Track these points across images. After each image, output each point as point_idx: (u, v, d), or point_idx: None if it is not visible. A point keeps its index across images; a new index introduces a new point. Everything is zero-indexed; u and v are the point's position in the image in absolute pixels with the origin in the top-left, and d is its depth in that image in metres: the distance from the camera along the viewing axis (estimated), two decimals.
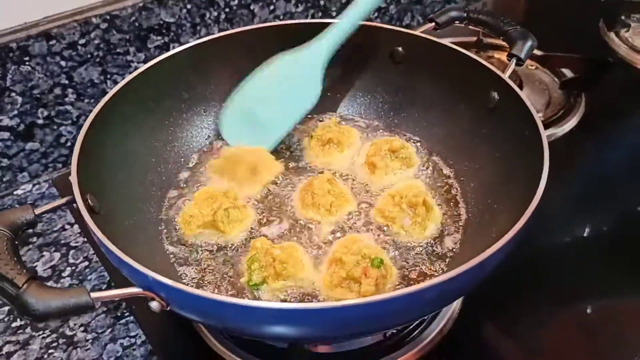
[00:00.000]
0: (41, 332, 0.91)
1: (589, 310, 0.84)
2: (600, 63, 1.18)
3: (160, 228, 0.86)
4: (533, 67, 1.26)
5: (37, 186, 1.19)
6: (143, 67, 0.85)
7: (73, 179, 0.65)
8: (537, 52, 1.26)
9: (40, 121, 1.16)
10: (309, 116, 1.04)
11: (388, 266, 0.76)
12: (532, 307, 0.85)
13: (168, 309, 0.59)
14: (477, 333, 0.82)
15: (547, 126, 1.11)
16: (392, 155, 0.90)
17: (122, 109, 0.81)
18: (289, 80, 0.95)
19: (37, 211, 0.62)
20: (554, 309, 0.85)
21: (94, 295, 0.54)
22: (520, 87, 1.18)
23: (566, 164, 1.06)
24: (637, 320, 0.83)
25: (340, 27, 0.94)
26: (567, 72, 1.23)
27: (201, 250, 0.84)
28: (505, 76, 0.82)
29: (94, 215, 0.66)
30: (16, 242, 0.59)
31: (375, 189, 0.90)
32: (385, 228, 0.84)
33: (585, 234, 0.98)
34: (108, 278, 0.98)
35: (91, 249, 1.04)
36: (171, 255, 0.82)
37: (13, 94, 1.11)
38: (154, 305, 0.58)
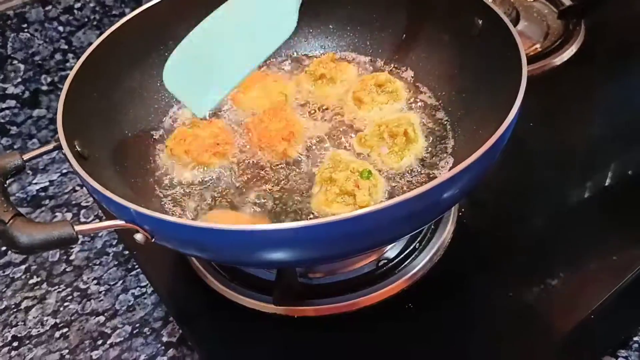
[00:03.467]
0: (56, 287, 0.95)
1: (587, 252, 0.83)
2: None
3: (149, 173, 0.87)
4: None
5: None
6: (127, 17, 0.86)
7: (59, 125, 0.67)
8: None
9: (44, 87, 1.19)
10: (296, 56, 1.04)
11: (376, 176, 0.77)
12: (524, 243, 0.85)
13: (153, 240, 0.61)
14: (466, 263, 0.83)
15: (544, 56, 1.09)
16: (378, 89, 0.89)
17: (107, 58, 0.82)
18: (255, 12, 0.79)
19: (25, 157, 0.65)
20: (547, 248, 0.84)
21: (77, 227, 0.56)
22: (517, 20, 1.16)
23: (564, 95, 1.04)
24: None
25: None
26: (566, 1, 1.21)
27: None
28: (489, 1, 0.81)
29: (81, 160, 0.68)
30: (5, 185, 0.61)
31: (360, 124, 0.90)
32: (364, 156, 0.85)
33: (581, 170, 0.96)
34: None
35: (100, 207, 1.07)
36: (162, 197, 0.83)
37: (15, 62, 1.13)
38: (139, 237, 0.60)
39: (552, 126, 0.99)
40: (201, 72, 0.79)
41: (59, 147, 0.67)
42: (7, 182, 0.66)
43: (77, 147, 0.69)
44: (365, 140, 0.83)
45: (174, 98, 0.96)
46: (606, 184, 0.93)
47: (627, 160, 0.96)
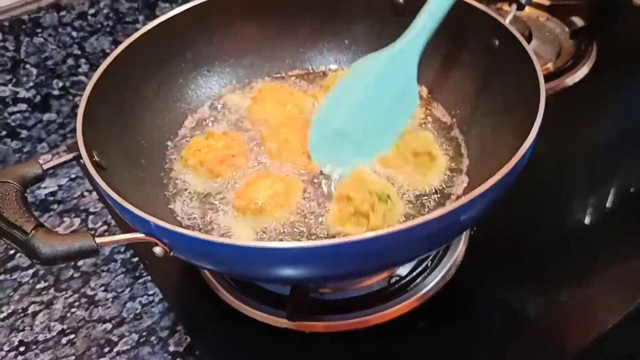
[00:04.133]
0: (64, 293, 0.95)
1: (600, 269, 0.83)
2: (610, 9, 1.15)
3: (163, 183, 0.88)
4: (543, 18, 1.24)
5: (56, 156, 1.23)
6: (146, 28, 0.87)
7: (78, 135, 0.68)
8: (545, 1, 1.23)
9: (55, 92, 1.19)
10: (311, 70, 1.04)
11: (394, 200, 0.76)
12: (537, 260, 0.85)
13: (172, 254, 0.61)
14: (478, 281, 0.83)
15: (557, 75, 1.10)
16: None
17: (125, 69, 0.83)
18: (381, 87, 0.81)
19: (45, 166, 0.65)
20: (561, 266, 0.84)
21: (98, 240, 0.56)
22: (530, 39, 1.17)
23: (577, 114, 1.05)
24: None
25: (433, 10, 0.80)
26: (578, 22, 1.21)
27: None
28: (505, 22, 0.81)
29: (100, 170, 0.68)
30: (25, 195, 0.61)
31: None
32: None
33: (596, 187, 0.96)
34: None
35: (109, 214, 1.07)
36: (175, 208, 0.84)
37: (28, 66, 1.14)
38: (158, 250, 0.60)
39: (563, 145, 1.00)
40: (340, 142, 0.83)
41: (78, 157, 0.67)
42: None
43: (95, 157, 0.69)
44: (387, 161, 0.83)
45: (189, 108, 0.98)
46: (619, 201, 0.93)
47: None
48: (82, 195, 1.13)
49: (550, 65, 1.13)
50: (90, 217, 1.08)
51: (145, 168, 0.84)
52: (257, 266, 0.59)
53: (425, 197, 0.81)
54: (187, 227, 0.80)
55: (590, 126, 1.06)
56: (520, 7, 0.83)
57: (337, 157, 0.84)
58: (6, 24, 1.09)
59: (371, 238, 0.54)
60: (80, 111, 0.71)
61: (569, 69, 1.12)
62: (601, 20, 1.16)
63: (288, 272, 0.59)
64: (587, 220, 0.91)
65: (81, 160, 0.67)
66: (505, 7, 1.21)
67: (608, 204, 0.94)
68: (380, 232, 0.54)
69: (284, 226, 0.79)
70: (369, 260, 0.59)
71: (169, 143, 0.93)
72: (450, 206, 0.57)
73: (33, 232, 0.55)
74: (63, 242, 0.55)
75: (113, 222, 1.06)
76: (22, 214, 0.56)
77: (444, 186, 0.82)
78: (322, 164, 0.84)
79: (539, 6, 1.22)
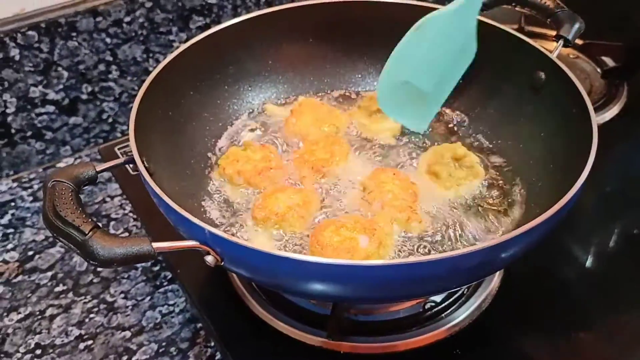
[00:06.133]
0: (82, 297, 0.94)
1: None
2: None
3: (203, 192, 0.88)
4: (574, 57, 1.25)
5: (78, 160, 1.22)
6: (191, 42, 0.88)
7: (131, 138, 0.67)
8: (578, 40, 1.25)
9: (84, 96, 1.19)
10: (349, 91, 1.05)
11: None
12: (569, 304, 0.85)
13: (222, 264, 0.60)
14: (513, 313, 0.82)
15: None
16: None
17: (173, 78, 0.83)
18: (444, 40, 0.86)
19: (98, 168, 0.64)
20: (593, 313, 0.84)
21: (155, 245, 0.55)
22: None
23: (606, 153, 1.06)
24: None
25: None
26: (609, 61, 1.23)
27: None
28: (554, 56, 0.82)
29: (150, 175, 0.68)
30: (80, 195, 0.61)
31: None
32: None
33: (628, 232, 0.96)
34: None
35: (131, 220, 1.06)
36: (215, 219, 0.84)
37: (60, 69, 1.14)
38: (209, 259, 0.59)
39: (595, 182, 1.00)
40: (408, 93, 0.91)
41: (130, 161, 0.66)
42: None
43: (145, 162, 0.69)
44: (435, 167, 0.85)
45: (229, 120, 0.99)
46: None
47: None
48: (103, 201, 1.12)
49: None
50: (112, 223, 1.07)
51: (187, 175, 0.84)
52: (311, 281, 0.58)
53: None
54: None
55: (619, 167, 1.06)
56: (567, 44, 0.84)
57: (404, 108, 0.92)
58: (43, 25, 1.09)
59: (431, 261, 0.54)
60: (132, 116, 0.71)
61: (600, 108, 1.13)
62: (633, 62, 1.17)
63: (342, 289, 0.59)
64: (620, 267, 0.90)
65: (130, 166, 0.67)
66: (538, 42, 1.22)
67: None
68: (438, 255, 0.55)
69: (302, 238, 0.79)
70: (425, 284, 0.59)
71: (209, 153, 0.93)
72: (502, 237, 0.57)
73: (91, 233, 0.54)
74: (121, 245, 0.54)
75: (134, 230, 1.06)
76: (80, 214, 0.55)
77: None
78: (390, 114, 0.93)
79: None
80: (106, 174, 1.13)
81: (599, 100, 1.14)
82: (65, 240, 0.55)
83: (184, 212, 0.58)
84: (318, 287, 0.59)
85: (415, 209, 0.78)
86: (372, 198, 0.79)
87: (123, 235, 1.05)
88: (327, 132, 0.95)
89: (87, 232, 0.54)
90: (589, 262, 0.91)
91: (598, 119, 1.10)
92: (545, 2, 0.88)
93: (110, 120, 1.24)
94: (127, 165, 0.70)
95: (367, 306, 0.79)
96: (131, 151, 0.67)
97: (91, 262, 0.54)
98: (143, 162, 0.68)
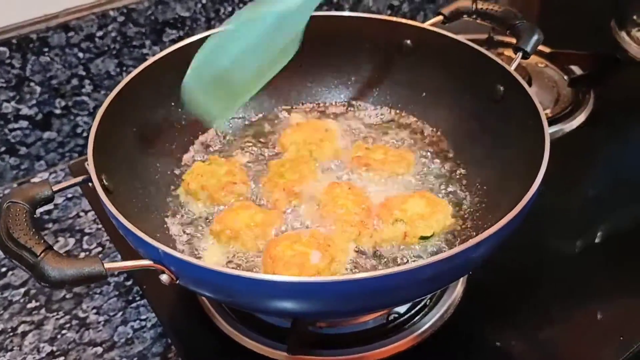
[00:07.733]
0: (55, 314, 0.94)
1: (599, 316, 0.84)
2: (609, 61, 1.19)
3: (165, 208, 0.88)
4: (542, 65, 1.27)
5: (53, 174, 1.22)
6: (158, 56, 0.88)
7: (89, 158, 0.68)
8: (546, 49, 1.27)
9: (57, 111, 1.19)
10: (319, 103, 1.06)
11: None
12: (535, 305, 0.86)
13: (177, 282, 0.61)
14: (476, 321, 0.83)
15: (554, 122, 1.13)
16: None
17: (137, 94, 0.84)
18: (269, 38, 0.81)
19: (55, 188, 0.65)
20: (559, 311, 0.85)
21: (107, 265, 0.56)
22: (529, 84, 1.20)
23: (573, 161, 1.07)
24: None
25: None
26: (576, 70, 1.25)
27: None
28: (511, 69, 0.83)
29: (108, 194, 0.68)
30: (34, 216, 0.61)
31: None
32: None
33: (592, 234, 0.98)
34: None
35: (104, 235, 1.06)
36: (175, 233, 0.85)
37: (32, 84, 1.14)
38: (164, 278, 0.60)
39: (562, 189, 1.01)
40: (215, 87, 0.82)
41: (87, 180, 0.67)
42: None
43: (104, 180, 0.69)
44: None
45: (195, 134, 0.99)
46: (615, 247, 0.95)
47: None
48: (77, 216, 1.12)
49: (548, 112, 1.15)
50: (85, 237, 1.07)
51: (151, 192, 0.84)
52: (265, 299, 0.59)
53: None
54: (181, 252, 0.80)
55: (585, 173, 1.08)
56: (526, 56, 0.86)
57: (208, 100, 0.83)
58: (14, 41, 1.09)
59: (387, 275, 0.55)
60: (92, 133, 0.71)
61: (567, 116, 1.15)
62: (600, 71, 1.19)
63: (297, 305, 0.59)
64: (584, 266, 0.92)
65: (90, 184, 0.67)
66: (506, 52, 1.24)
67: (604, 250, 0.95)
68: (396, 269, 0.55)
69: (259, 253, 0.80)
70: (381, 297, 0.60)
71: (175, 169, 0.94)
72: (460, 247, 0.58)
73: (42, 254, 0.55)
74: (72, 266, 0.55)
75: (107, 244, 1.06)
76: (32, 236, 0.56)
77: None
78: (191, 106, 0.82)
79: (539, 53, 1.25)
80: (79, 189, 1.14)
81: (566, 108, 1.16)
82: (18, 262, 0.55)
83: (137, 231, 0.59)
84: (271, 303, 0.60)
85: (367, 224, 0.78)
86: (327, 212, 0.80)
87: (96, 250, 1.06)
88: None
89: (38, 254, 0.54)
90: (551, 269, 0.92)
91: (565, 126, 1.13)
92: (504, 15, 0.89)
93: (85, 134, 1.24)
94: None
95: (330, 320, 0.80)
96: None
97: (42, 283, 0.54)
98: (102, 181, 0.68)
